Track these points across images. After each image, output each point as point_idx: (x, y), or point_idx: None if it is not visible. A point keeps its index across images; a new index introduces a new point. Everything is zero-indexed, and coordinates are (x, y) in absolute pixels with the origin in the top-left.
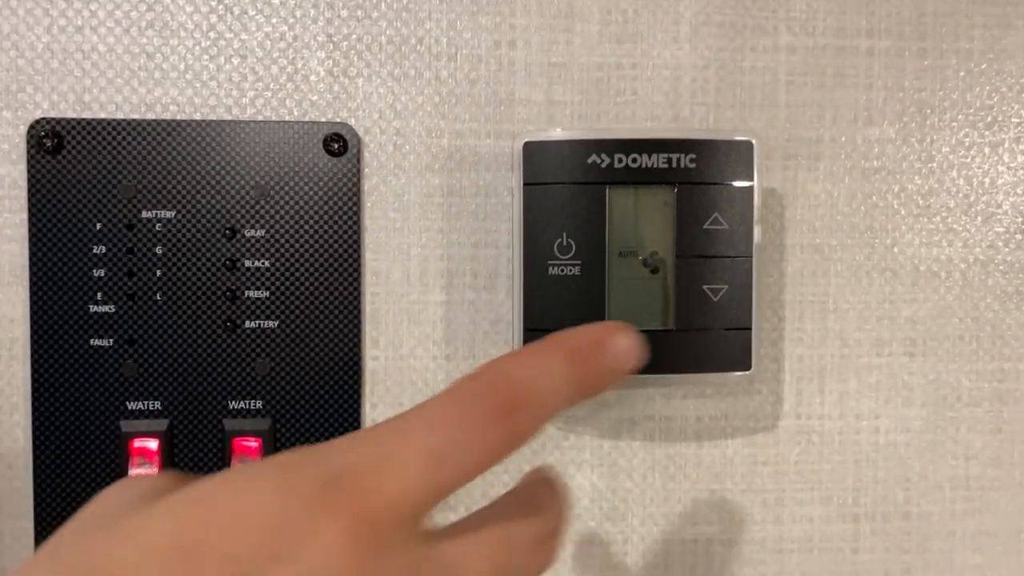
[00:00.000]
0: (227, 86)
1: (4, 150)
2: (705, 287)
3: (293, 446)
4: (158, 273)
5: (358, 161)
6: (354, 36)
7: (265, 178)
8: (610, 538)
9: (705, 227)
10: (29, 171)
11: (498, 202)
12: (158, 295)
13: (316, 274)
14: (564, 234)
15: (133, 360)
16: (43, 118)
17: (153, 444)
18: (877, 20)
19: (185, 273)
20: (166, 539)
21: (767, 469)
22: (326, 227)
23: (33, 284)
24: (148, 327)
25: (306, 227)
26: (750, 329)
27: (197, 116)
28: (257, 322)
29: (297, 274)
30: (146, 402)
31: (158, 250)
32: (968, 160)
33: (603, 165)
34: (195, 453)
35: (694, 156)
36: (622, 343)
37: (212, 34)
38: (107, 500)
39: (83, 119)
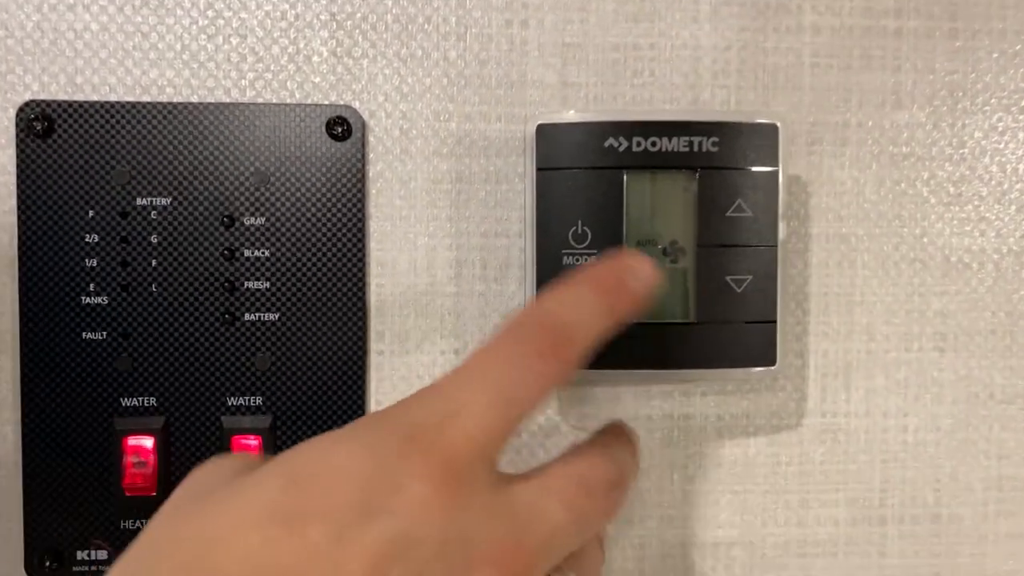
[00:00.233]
0: (226, 67)
1: None
2: (728, 278)
3: (294, 445)
4: (153, 263)
5: (362, 146)
6: (359, 15)
7: (265, 163)
8: (627, 541)
9: (728, 214)
10: (18, 156)
11: (509, 189)
12: (153, 286)
13: (319, 264)
14: (579, 222)
15: (127, 354)
16: (33, 100)
17: (148, 442)
18: None
19: (181, 263)
20: (263, 506)
21: (791, 469)
22: (329, 215)
23: (22, 274)
24: (143, 320)
25: (308, 215)
26: (775, 322)
27: (194, 98)
28: (257, 314)
29: (299, 264)
30: (141, 398)
31: (153, 239)
32: (1001, 146)
33: (620, 149)
34: (192, 451)
35: (716, 139)
36: (641, 268)
37: (210, 12)
38: (197, 480)
39: (75, 101)
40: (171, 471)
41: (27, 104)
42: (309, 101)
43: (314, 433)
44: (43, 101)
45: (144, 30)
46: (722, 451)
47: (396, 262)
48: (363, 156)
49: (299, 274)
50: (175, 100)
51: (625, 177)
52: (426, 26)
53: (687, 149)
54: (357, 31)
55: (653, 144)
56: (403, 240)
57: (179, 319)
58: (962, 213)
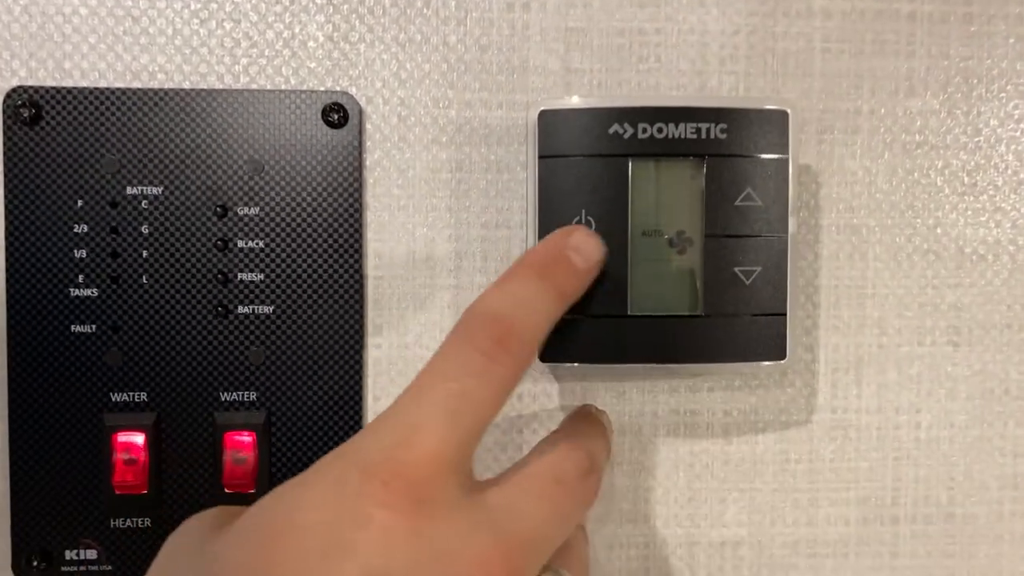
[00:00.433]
0: (219, 52)
1: None
2: (737, 269)
3: (289, 441)
4: (144, 254)
5: (359, 133)
6: None
7: (259, 152)
8: (631, 541)
9: (737, 204)
10: (4, 143)
11: (511, 178)
12: (144, 278)
13: (314, 256)
14: (582, 211)
15: (117, 348)
16: (20, 86)
17: (139, 439)
18: None
19: (173, 254)
20: (239, 568)
21: (800, 467)
22: (325, 205)
23: (9, 266)
24: (133, 312)
25: (303, 204)
26: (785, 315)
27: (186, 84)
28: (251, 307)
29: (294, 255)
30: (131, 393)
31: (144, 229)
32: (1018, 134)
33: (625, 135)
34: (184, 448)
35: (725, 126)
36: (583, 242)
37: None
38: (173, 551)
39: (63, 87)
40: (162, 468)
41: (14, 90)
42: (304, 87)
43: (311, 429)
44: (31, 87)
45: (135, 14)
46: (729, 448)
47: (394, 253)
48: (360, 144)
49: (294, 265)
50: (167, 86)
51: (630, 165)
52: (425, 10)
53: (694, 136)
54: (354, 15)
55: (659, 131)
56: (401, 231)
57: (171, 312)
58: (977, 203)
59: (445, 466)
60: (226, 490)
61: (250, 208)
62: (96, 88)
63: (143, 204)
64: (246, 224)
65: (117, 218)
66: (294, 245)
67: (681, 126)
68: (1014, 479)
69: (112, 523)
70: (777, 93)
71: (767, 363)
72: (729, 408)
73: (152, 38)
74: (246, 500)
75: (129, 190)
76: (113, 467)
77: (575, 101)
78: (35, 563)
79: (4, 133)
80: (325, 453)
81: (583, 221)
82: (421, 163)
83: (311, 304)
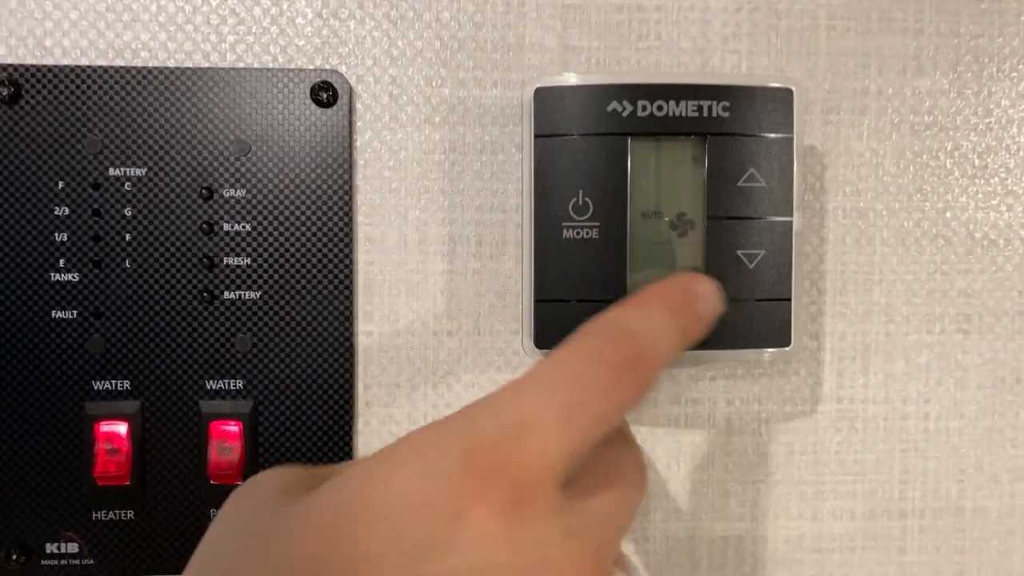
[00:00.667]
0: (204, 29)
1: None
2: (739, 252)
3: (277, 431)
4: (127, 237)
5: (349, 113)
6: None
7: (246, 132)
8: (630, 536)
9: (740, 184)
10: None
11: (506, 160)
12: (127, 262)
13: (303, 239)
14: (580, 192)
15: (99, 335)
16: None
17: (122, 428)
18: None
19: (157, 238)
20: (312, 555)
21: (805, 459)
22: (314, 187)
23: None
24: (116, 298)
25: (291, 187)
26: (790, 300)
27: (171, 63)
28: (237, 292)
29: (281, 239)
30: (114, 381)
31: (127, 212)
32: None
33: (624, 114)
34: (168, 438)
35: (727, 104)
36: (709, 293)
37: None
38: (237, 514)
39: (43, 65)
40: (146, 459)
41: None
42: (293, 65)
43: (299, 418)
44: (10, 65)
45: None
46: (732, 439)
47: (385, 237)
48: (350, 124)
49: (282, 250)
50: (151, 64)
51: (629, 144)
52: None
53: (696, 114)
54: None
55: (659, 108)
56: (393, 214)
57: (154, 297)
58: (988, 186)
59: (549, 472)
60: (211, 481)
61: (236, 190)
62: (78, 66)
63: (126, 186)
64: (232, 207)
65: (99, 200)
66: (282, 229)
67: (682, 104)
68: None
69: (94, 515)
70: (781, 72)
71: (771, 350)
72: (731, 397)
73: (136, 15)
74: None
75: (112, 171)
76: (95, 457)
77: (572, 78)
78: (14, 557)
79: None
80: (314, 444)
81: (580, 202)
82: (413, 144)
83: (299, 290)
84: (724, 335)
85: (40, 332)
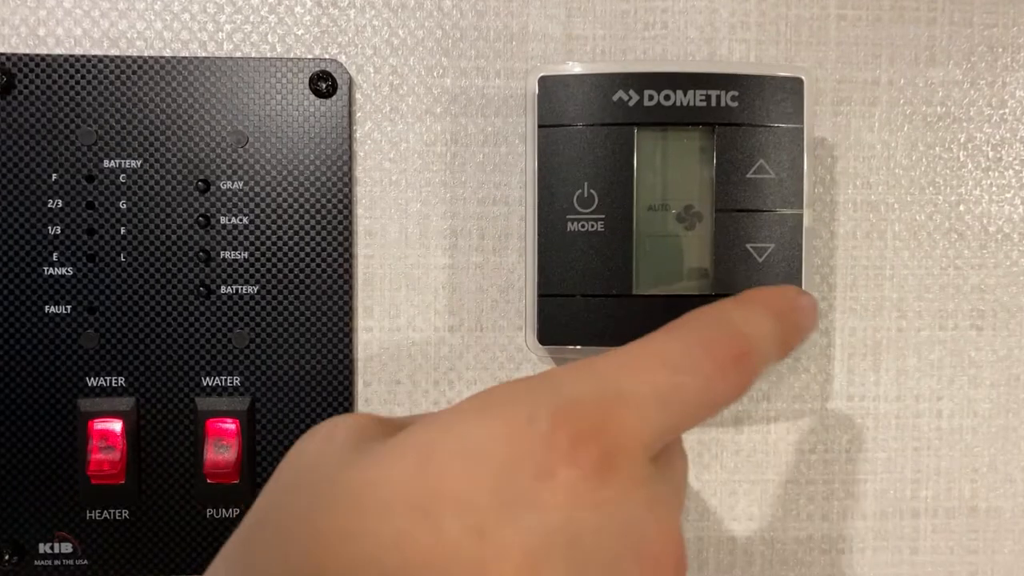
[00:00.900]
0: (201, 18)
1: None
2: (749, 246)
3: (275, 429)
4: (122, 231)
5: (349, 104)
6: None
7: (244, 123)
8: None
9: (749, 176)
10: None
11: (509, 151)
12: (122, 256)
13: (301, 233)
14: (585, 184)
15: (93, 330)
16: None
17: (116, 426)
18: None
19: (153, 231)
20: (393, 491)
21: (814, 457)
22: (312, 179)
23: None
24: (111, 292)
25: (290, 179)
26: None
27: (167, 52)
28: (234, 287)
29: (280, 233)
30: (108, 378)
31: (122, 204)
32: None
33: (631, 103)
34: (164, 436)
35: (736, 93)
36: (807, 305)
37: None
38: (308, 456)
39: (37, 55)
40: (141, 457)
41: None
42: (291, 55)
43: (298, 415)
44: (2, 54)
45: None
46: (739, 438)
47: (386, 231)
48: (350, 115)
49: (280, 243)
50: (146, 54)
51: (636, 134)
52: None
53: (704, 104)
54: None
55: (667, 98)
56: (393, 207)
57: (150, 292)
58: (1002, 179)
59: (642, 443)
60: (208, 480)
61: (234, 183)
62: (72, 55)
63: (121, 178)
64: (229, 199)
65: (94, 193)
66: (280, 222)
67: (690, 93)
68: None
69: (88, 515)
70: (790, 62)
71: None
72: None
73: (131, 3)
74: (230, 491)
75: (106, 163)
76: (89, 455)
77: (577, 67)
78: (6, 557)
79: None
80: None
81: (585, 195)
82: (414, 135)
83: (298, 284)
84: None
85: (33, 327)
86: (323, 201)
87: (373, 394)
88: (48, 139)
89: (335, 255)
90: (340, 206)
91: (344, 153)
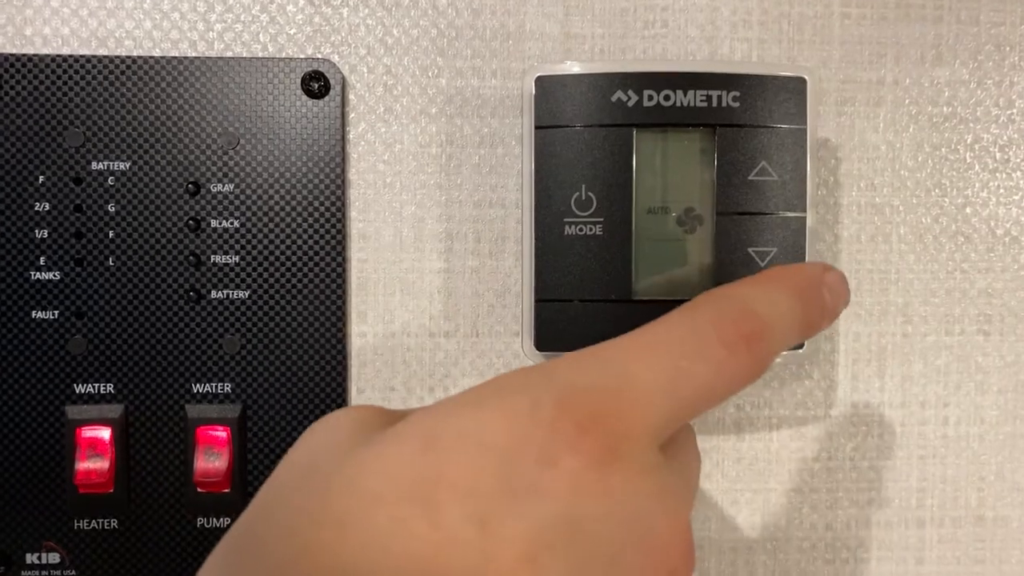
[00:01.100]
0: (191, 17)
1: None
2: (751, 250)
3: (267, 436)
4: (110, 234)
5: (342, 104)
6: None
7: (234, 124)
8: None
9: (751, 178)
10: None
11: (505, 153)
12: (110, 260)
13: (293, 236)
14: (583, 187)
15: (81, 336)
16: None
17: (105, 433)
18: None
19: (142, 234)
20: (390, 478)
21: (818, 465)
22: (305, 181)
23: None
24: (99, 297)
25: (281, 181)
26: None
27: (156, 52)
28: (225, 292)
29: (271, 236)
30: (96, 385)
31: (110, 207)
32: None
33: (630, 104)
34: (154, 444)
35: (737, 94)
36: (835, 281)
37: None
38: (313, 443)
39: (23, 55)
40: (130, 466)
41: None
42: (283, 55)
43: (290, 423)
44: None
45: None
46: (741, 445)
47: (379, 234)
48: (343, 116)
49: (272, 247)
50: (135, 54)
51: (635, 136)
52: None
53: (705, 104)
54: None
55: (666, 98)
56: (387, 210)
57: (139, 297)
58: (1010, 181)
59: (650, 430)
60: (198, 489)
61: (224, 185)
62: (59, 55)
63: (109, 180)
64: (220, 202)
65: (81, 195)
66: (271, 225)
67: (690, 93)
68: None
69: (76, 524)
70: (793, 62)
71: (784, 353)
72: (741, 402)
73: (120, 2)
74: (220, 501)
75: (94, 165)
76: (77, 464)
77: (575, 67)
78: None
79: None
80: None
81: (583, 197)
82: (409, 136)
83: (290, 289)
84: None
85: (19, 333)
86: (316, 204)
87: (367, 401)
88: (35, 141)
89: (328, 259)
90: (333, 209)
91: (337, 155)
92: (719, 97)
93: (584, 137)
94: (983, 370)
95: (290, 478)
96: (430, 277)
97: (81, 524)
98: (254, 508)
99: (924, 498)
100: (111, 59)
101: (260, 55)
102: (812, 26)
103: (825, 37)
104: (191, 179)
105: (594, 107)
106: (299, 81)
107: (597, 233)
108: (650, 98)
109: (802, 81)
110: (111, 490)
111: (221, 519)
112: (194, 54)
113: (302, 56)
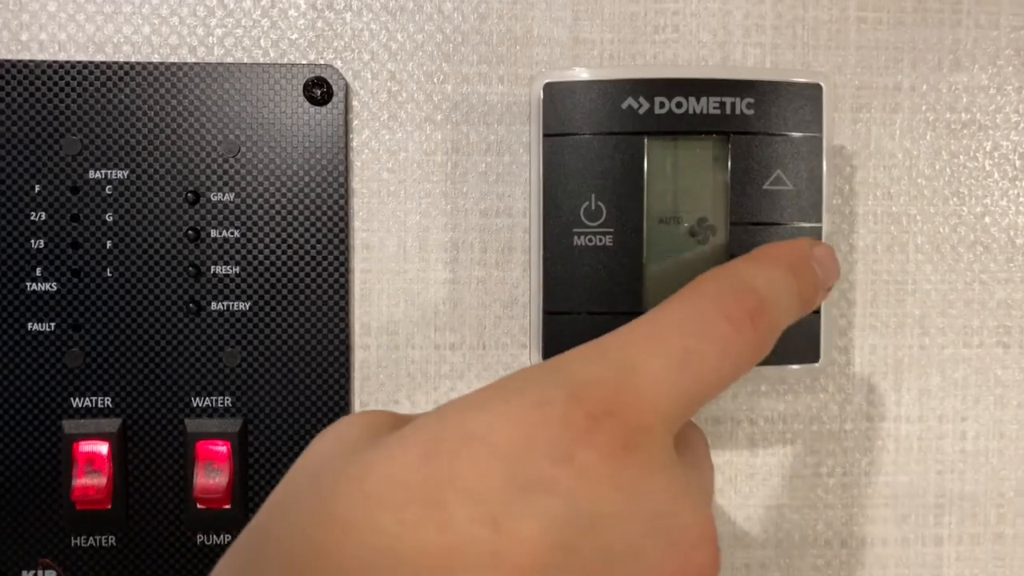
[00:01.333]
0: (191, 22)
1: None
2: None
3: (268, 452)
4: (108, 244)
5: (345, 111)
6: None
7: (235, 132)
8: None
9: (765, 187)
10: None
11: (513, 161)
12: (108, 271)
13: (295, 246)
14: (592, 196)
15: (78, 348)
16: None
17: (103, 448)
18: None
19: (140, 245)
20: (397, 482)
21: (832, 481)
22: (307, 190)
23: None
24: (96, 309)
25: (283, 190)
26: (819, 313)
27: (155, 57)
28: (225, 303)
29: (272, 246)
30: (94, 398)
31: (108, 217)
32: None
33: (641, 111)
34: (152, 459)
35: (752, 101)
36: (824, 255)
37: None
38: (319, 451)
39: (19, 61)
40: (128, 481)
41: None
42: (285, 60)
43: (292, 438)
44: None
45: None
46: (755, 460)
47: (384, 244)
48: (346, 123)
49: (273, 257)
50: (133, 59)
51: (646, 144)
52: None
53: (718, 111)
54: None
55: (678, 105)
56: (391, 219)
57: (137, 308)
58: None
59: (663, 418)
60: (198, 505)
61: (225, 194)
62: (56, 61)
63: (107, 189)
64: (220, 211)
65: (78, 205)
66: (273, 235)
67: (703, 100)
68: None
69: (73, 541)
70: (807, 67)
71: (799, 367)
72: (754, 416)
73: (118, 6)
74: (221, 517)
75: (92, 174)
76: (74, 480)
77: (584, 73)
78: None
79: None
80: None
81: (593, 207)
82: (413, 144)
83: (292, 300)
84: None
85: (15, 345)
86: (318, 213)
87: None
88: (31, 149)
89: (331, 270)
90: (336, 218)
91: (340, 163)
92: (733, 104)
93: (594, 145)
94: (1002, 383)
95: (302, 479)
96: (435, 288)
97: (78, 541)
98: (267, 509)
99: (942, 515)
100: (109, 65)
101: (261, 61)
102: (827, 30)
103: (840, 41)
104: (191, 188)
105: (604, 115)
106: (301, 87)
107: (607, 244)
108: (662, 105)
109: (818, 88)
110: (109, 506)
111: (221, 536)
112: (194, 60)
113: (304, 62)
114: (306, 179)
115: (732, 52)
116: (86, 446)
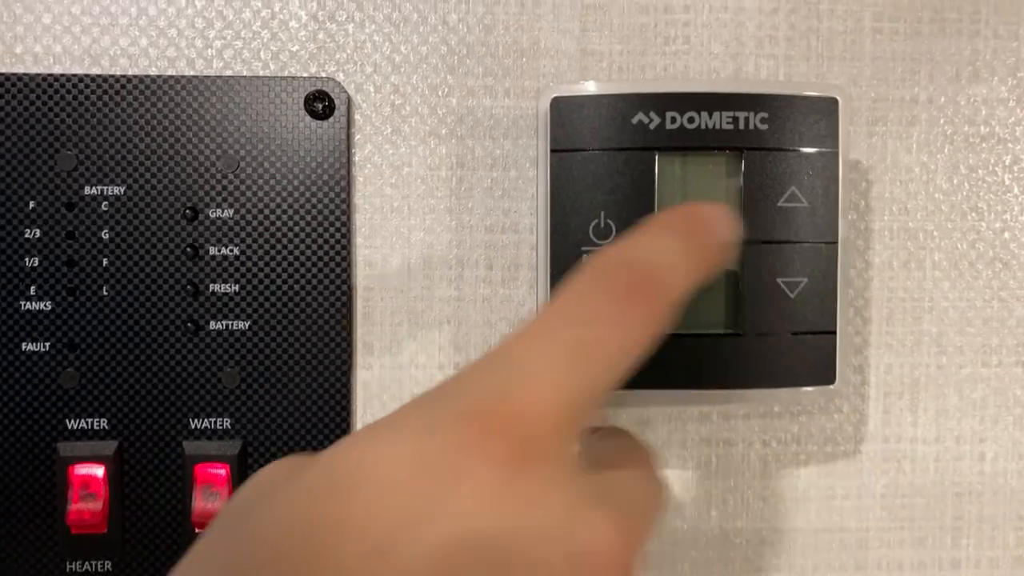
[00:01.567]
0: (189, 34)
1: None
2: (779, 280)
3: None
4: (104, 262)
5: (347, 125)
6: None
7: (234, 146)
8: None
9: (779, 204)
10: None
11: (519, 176)
12: (104, 289)
13: (296, 264)
14: (602, 213)
15: (74, 369)
16: None
17: (98, 471)
18: None
19: (137, 262)
20: (296, 521)
21: (847, 504)
22: (308, 206)
23: None
24: (92, 328)
25: (284, 206)
26: (834, 332)
27: (153, 70)
28: (224, 322)
29: (273, 264)
30: (90, 420)
31: (104, 234)
32: None
33: (651, 126)
34: (149, 482)
35: (765, 115)
36: (712, 214)
37: None
38: (251, 488)
39: (13, 74)
40: (125, 505)
41: None
42: (285, 73)
43: None
44: None
45: None
46: (768, 483)
47: (387, 261)
48: (348, 137)
49: (273, 276)
50: (130, 72)
51: (656, 160)
52: None
53: (731, 127)
54: None
55: (690, 120)
56: (395, 236)
57: (134, 328)
58: None
59: (560, 423)
60: (196, 530)
61: (224, 210)
62: (51, 75)
63: (103, 206)
64: (219, 228)
65: (74, 222)
66: (273, 252)
67: (715, 115)
68: None
69: (68, 566)
70: (822, 79)
71: (814, 388)
72: (768, 437)
73: (114, 18)
74: None
75: (87, 190)
76: (69, 504)
77: (592, 86)
78: None
79: None
80: None
81: (602, 224)
82: (417, 159)
83: (292, 319)
84: (761, 371)
85: (9, 366)
86: (319, 230)
87: None
88: (25, 164)
89: (332, 288)
90: (338, 235)
91: (342, 178)
92: (746, 119)
93: (603, 161)
94: (1022, 404)
95: (224, 518)
96: (440, 306)
97: (73, 566)
98: (192, 552)
99: (959, 538)
100: (105, 78)
101: (261, 73)
102: (842, 41)
103: (855, 53)
104: (189, 204)
105: (613, 130)
106: (302, 101)
107: None
108: (673, 120)
109: (833, 102)
110: (104, 531)
111: None
112: (192, 72)
113: (305, 75)
114: (307, 195)
115: (744, 64)
116: (81, 469)
